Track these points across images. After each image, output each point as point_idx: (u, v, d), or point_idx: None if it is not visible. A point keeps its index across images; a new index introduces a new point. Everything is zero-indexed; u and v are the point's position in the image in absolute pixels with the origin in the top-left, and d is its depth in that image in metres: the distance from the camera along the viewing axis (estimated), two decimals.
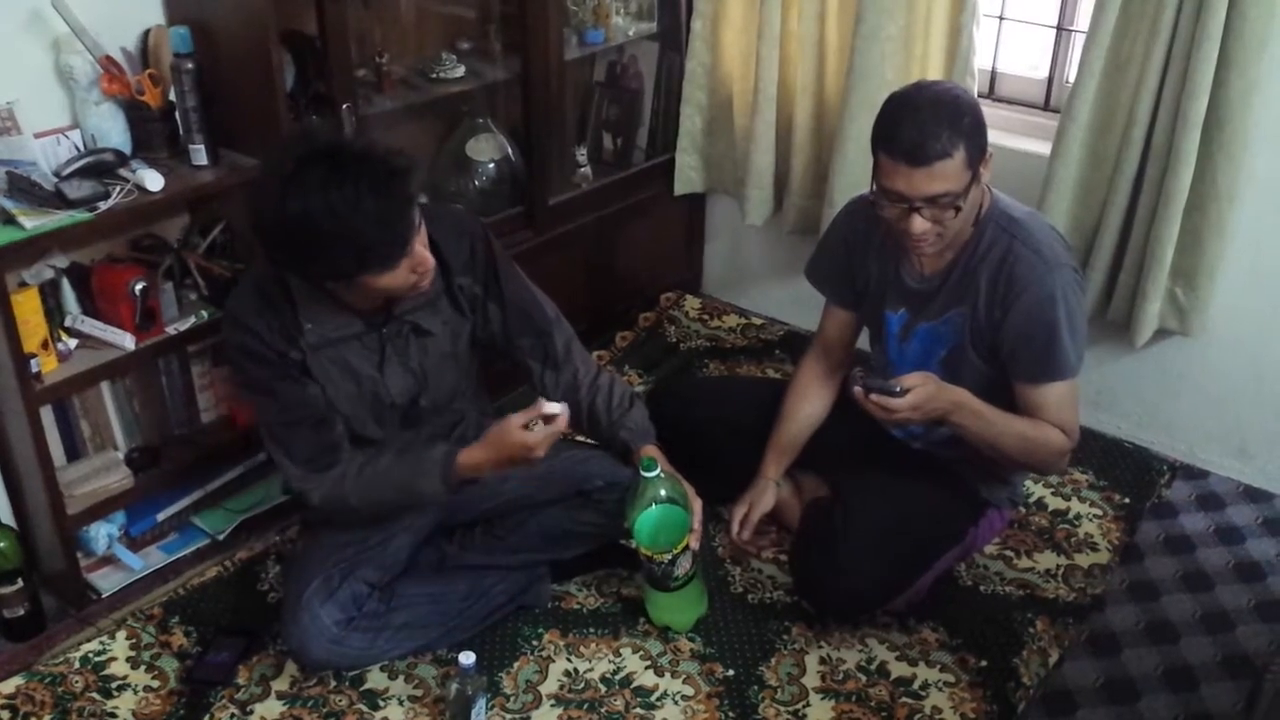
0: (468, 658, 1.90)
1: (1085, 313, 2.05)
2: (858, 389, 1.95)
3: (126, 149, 2.22)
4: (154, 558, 2.39)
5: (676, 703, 2.04)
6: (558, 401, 1.94)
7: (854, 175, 2.71)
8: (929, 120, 1.85)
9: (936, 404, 1.96)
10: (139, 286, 2.18)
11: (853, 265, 2.22)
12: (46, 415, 2.18)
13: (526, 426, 1.88)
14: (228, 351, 2.02)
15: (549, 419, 1.88)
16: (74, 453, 2.30)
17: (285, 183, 1.74)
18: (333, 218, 1.72)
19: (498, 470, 1.96)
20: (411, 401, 2.08)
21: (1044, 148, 2.55)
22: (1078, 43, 2.59)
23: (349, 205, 1.72)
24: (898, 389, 1.92)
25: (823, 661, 2.12)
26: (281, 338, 1.93)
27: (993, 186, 2.05)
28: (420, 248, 1.85)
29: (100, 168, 2.13)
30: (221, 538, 2.44)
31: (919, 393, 1.93)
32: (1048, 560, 2.36)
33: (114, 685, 2.06)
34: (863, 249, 2.19)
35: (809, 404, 2.31)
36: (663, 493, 2.05)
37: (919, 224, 1.92)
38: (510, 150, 2.86)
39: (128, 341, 2.19)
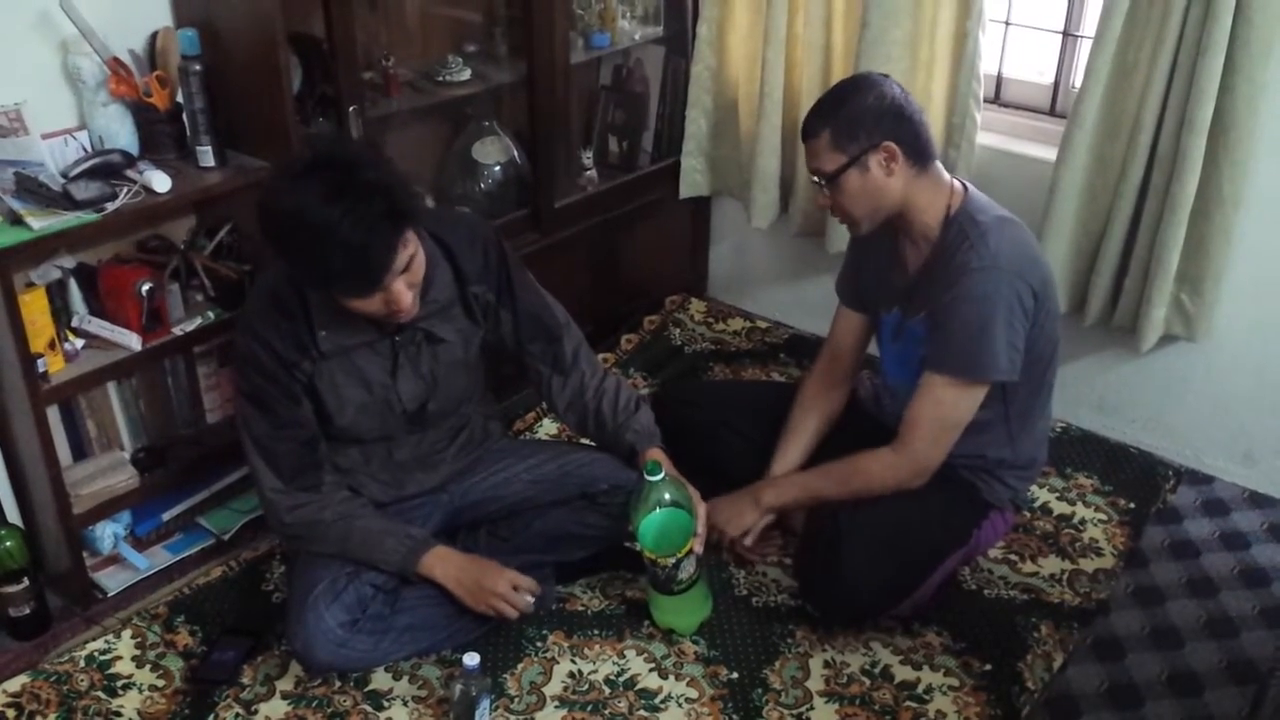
0: (472, 659, 1.90)
1: (1020, 324, 1.98)
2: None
3: (134, 150, 2.23)
4: (159, 557, 2.40)
5: (680, 705, 2.04)
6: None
7: None
8: (818, 103, 2.05)
9: (738, 519, 2.22)
10: (145, 287, 2.19)
11: (863, 264, 2.24)
12: (53, 415, 2.18)
13: (516, 588, 2.04)
14: (236, 357, 2.02)
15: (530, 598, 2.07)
16: (80, 452, 2.31)
17: (293, 178, 1.76)
18: (309, 232, 1.72)
19: (454, 586, 2.03)
20: (420, 406, 2.08)
21: (1050, 153, 2.55)
22: (1084, 48, 2.59)
23: (328, 229, 1.70)
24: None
25: (827, 665, 2.12)
26: (294, 347, 1.93)
27: (972, 187, 2.07)
28: (401, 288, 1.81)
29: (107, 169, 2.13)
30: (227, 538, 2.45)
31: (711, 514, 2.15)
32: (1052, 565, 2.36)
33: (119, 684, 2.07)
34: (872, 249, 2.20)
35: (813, 418, 2.31)
36: (667, 496, 2.05)
37: (819, 195, 2.07)
38: (516, 153, 2.87)
39: (134, 342, 2.19)
